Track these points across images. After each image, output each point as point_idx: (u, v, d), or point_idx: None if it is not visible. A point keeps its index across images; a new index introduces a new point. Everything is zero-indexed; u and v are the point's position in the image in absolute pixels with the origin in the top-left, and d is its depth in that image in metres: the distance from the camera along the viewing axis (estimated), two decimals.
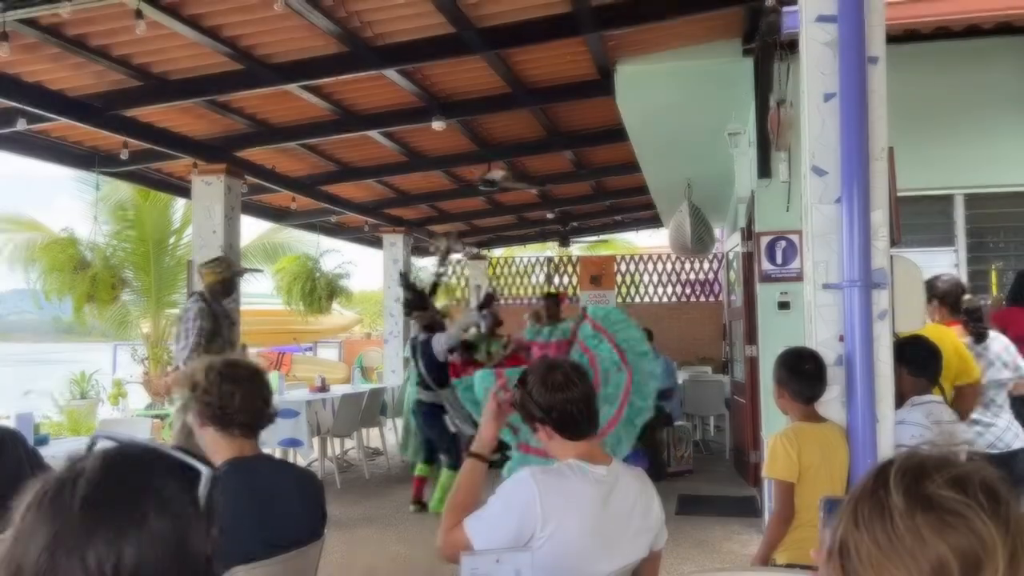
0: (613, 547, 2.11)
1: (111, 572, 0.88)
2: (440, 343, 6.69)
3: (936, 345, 3.33)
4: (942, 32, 5.10)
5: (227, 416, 2.24)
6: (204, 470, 0.98)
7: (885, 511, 0.91)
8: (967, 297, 4.06)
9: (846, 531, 0.94)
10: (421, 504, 6.79)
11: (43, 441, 5.11)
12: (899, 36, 4.86)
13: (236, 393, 2.24)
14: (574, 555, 2.04)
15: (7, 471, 2.60)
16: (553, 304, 8.38)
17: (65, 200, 12.89)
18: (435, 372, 6.73)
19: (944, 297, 3.98)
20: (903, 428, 3.00)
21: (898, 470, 0.93)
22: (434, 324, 6.92)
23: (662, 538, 2.27)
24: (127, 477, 0.95)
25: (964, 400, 3.61)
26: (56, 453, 4.53)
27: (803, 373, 2.84)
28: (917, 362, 3.25)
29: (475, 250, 14.68)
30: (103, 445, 0.99)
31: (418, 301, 7.22)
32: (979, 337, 3.88)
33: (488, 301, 7.90)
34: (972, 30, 5.13)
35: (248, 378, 2.29)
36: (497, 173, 8.41)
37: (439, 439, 6.81)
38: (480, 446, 2.29)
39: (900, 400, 3.12)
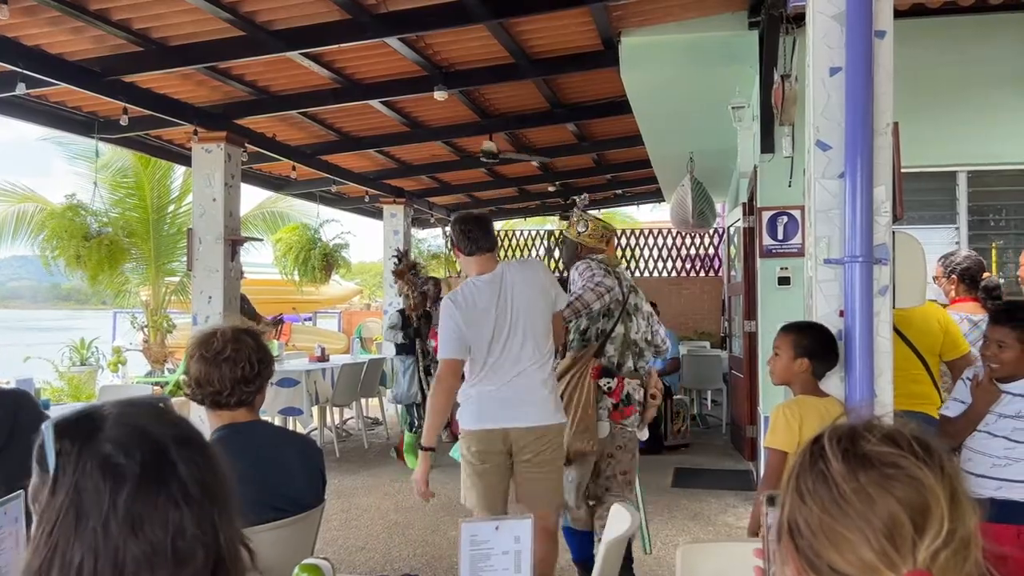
0: (518, 318, 3.36)
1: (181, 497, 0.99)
2: None
3: None
4: (950, 7, 5.05)
5: (203, 394, 2.25)
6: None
7: (828, 479, 0.92)
8: (987, 275, 4.05)
9: (792, 509, 0.95)
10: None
11: (44, 406, 5.14)
12: (906, 10, 4.81)
13: (204, 371, 2.22)
14: (488, 332, 3.32)
15: (32, 427, 2.63)
16: None
17: (62, 166, 12.80)
18: None
19: (963, 274, 3.97)
20: None
21: (831, 439, 0.95)
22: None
23: (560, 303, 3.56)
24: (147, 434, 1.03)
25: (959, 373, 3.63)
26: None
27: (835, 353, 2.84)
28: None
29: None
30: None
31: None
32: None
33: None
34: (979, 5, 5.08)
35: (220, 353, 2.24)
36: (490, 145, 8.35)
37: None
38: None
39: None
